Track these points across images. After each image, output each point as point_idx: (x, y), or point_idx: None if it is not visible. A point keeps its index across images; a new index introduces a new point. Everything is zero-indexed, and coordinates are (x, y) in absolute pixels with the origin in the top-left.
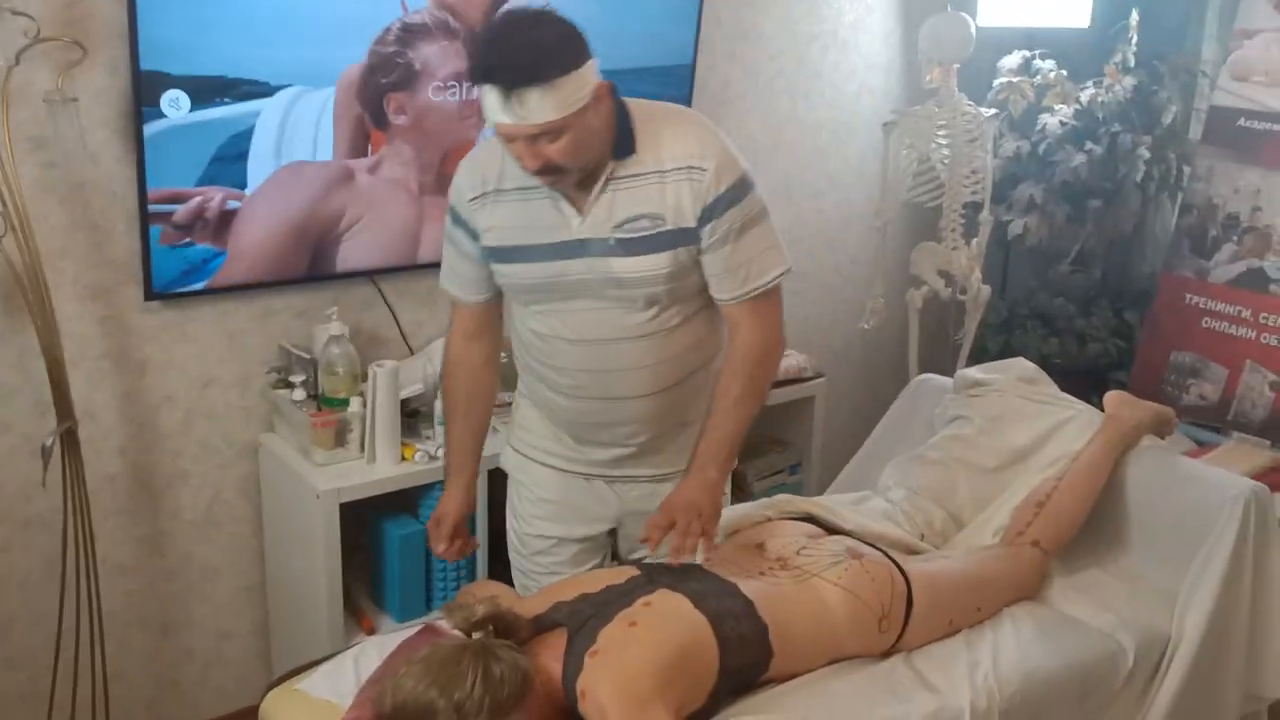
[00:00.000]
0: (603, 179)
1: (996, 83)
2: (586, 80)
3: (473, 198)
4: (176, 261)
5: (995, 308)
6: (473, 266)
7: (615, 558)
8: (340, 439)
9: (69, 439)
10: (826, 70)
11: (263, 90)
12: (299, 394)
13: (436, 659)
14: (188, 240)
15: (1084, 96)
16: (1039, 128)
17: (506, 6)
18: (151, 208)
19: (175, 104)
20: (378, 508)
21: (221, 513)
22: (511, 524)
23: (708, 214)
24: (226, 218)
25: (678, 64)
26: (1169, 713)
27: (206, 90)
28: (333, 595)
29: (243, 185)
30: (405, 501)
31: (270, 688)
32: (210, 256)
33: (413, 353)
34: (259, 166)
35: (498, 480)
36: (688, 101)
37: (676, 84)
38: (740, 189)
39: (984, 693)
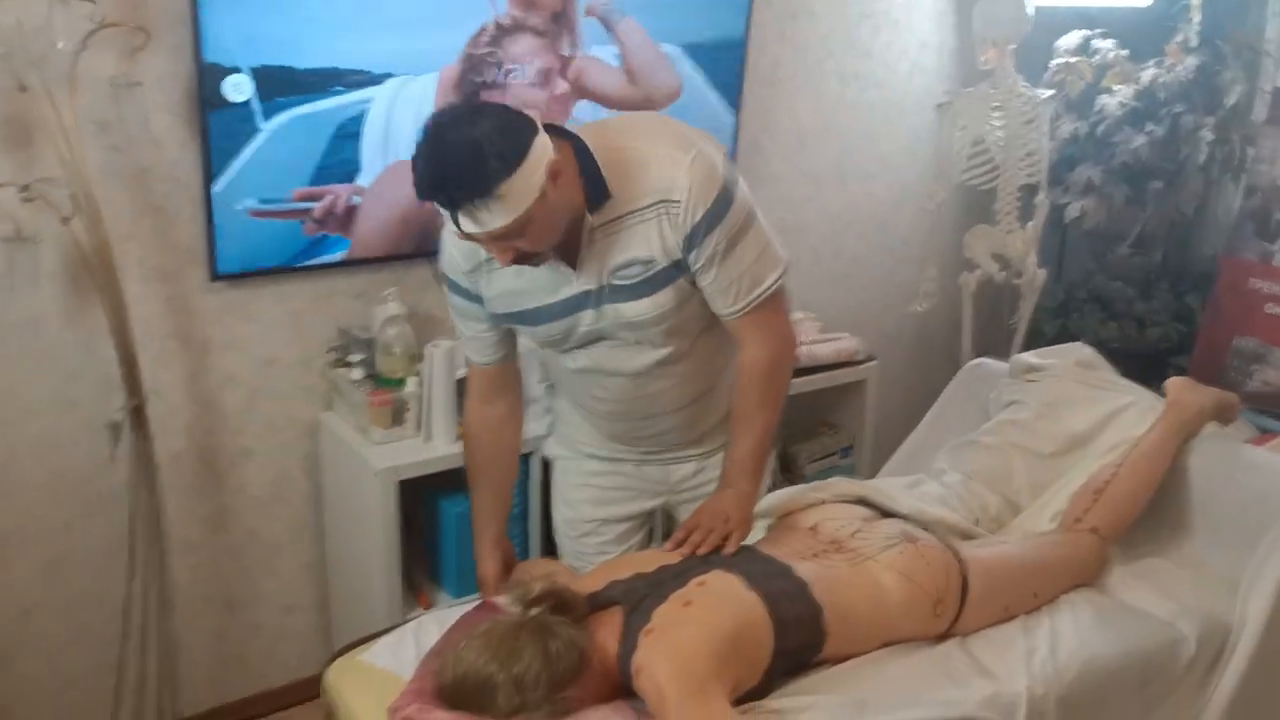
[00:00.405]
0: (585, 234)
1: (1054, 63)
2: (535, 168)
3: (469, 270)
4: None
5: (1052, 291)
6: (482, 328)
7: (666, 538)
8: (397, 418)
9: (137, 416)
10: (878, 50)
11: (362, 79)
12: (357, 374)
13: (496, 634)
14: (323, 233)
15: (1144, 77)
16: (1097, 109)
17: (440, 109)
18: (293, 204)
19: (238, 89)
20: (434, 485)
21: (284, 490)
22: (559, 510)
23: (689, 242)
24: (350, 211)
25: (729, 44)
26: (1232, 701)
27: (274, 79)
28: (390, 571)
29: (356, 173)
30: (461, 479)
31: (333, 659)
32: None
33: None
34: (371, 155)
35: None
36: (738, 82)
37: (727, 64)
38: (720, 205)
39: (1041, 679)
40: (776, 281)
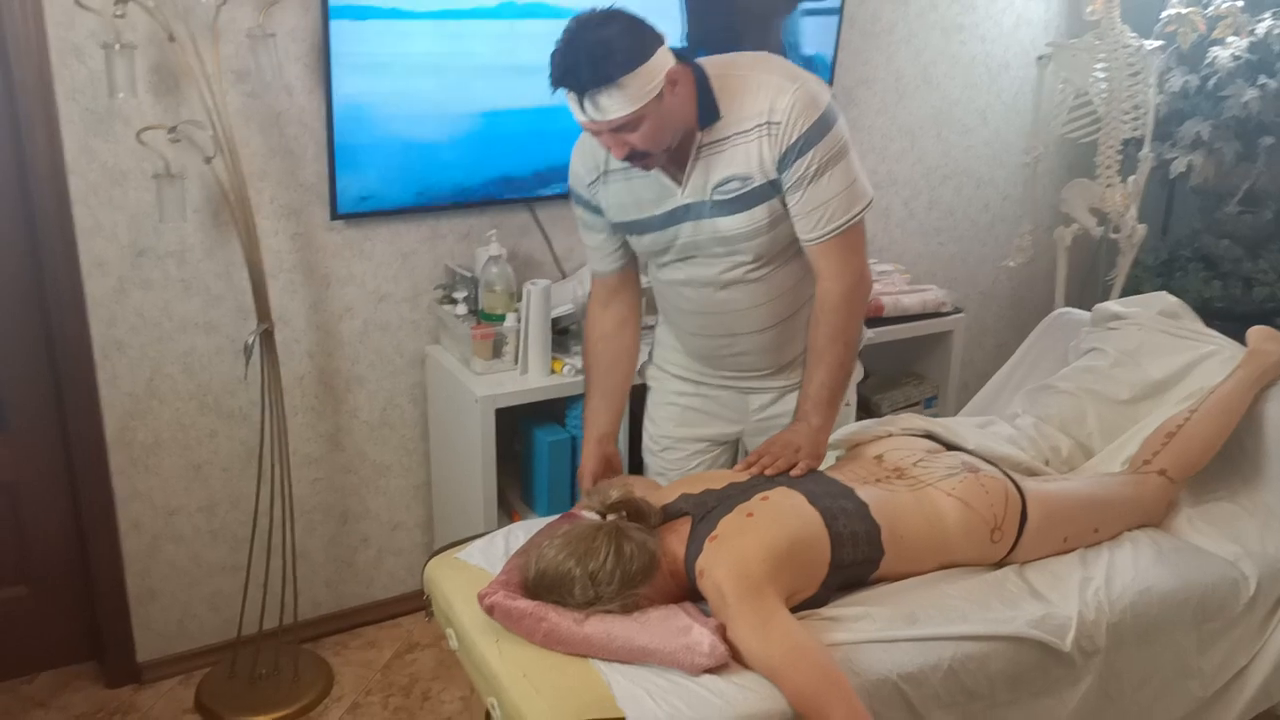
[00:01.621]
0: (694, 149)
1: (1165, 14)
2: (656, 71)
3: (590, 181)
4: None
5: (1154, 249)
6: (602, 238)
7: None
8: (497, 351)
9: (267, 339)
10: (983, 2)
11: None
12: (461, 309)
13: (575, 534)
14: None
15: (1259, 29)
16: (1209, 61)
17: (577, 14)
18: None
19: (359, 42)
20: (529, 415)
21: (393, 415)
22: (647, 426)
23: (784, 161)
24: None
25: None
26: None
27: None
28: (488, 493)
29: None
30: (554, 411)
31: (433, 556)
32: None
33: (564, 275)
34: None
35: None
36: (836, 35)
37: (825, 18)
38: (818, 130)
39: (1093, 605)
40: (859, 215)
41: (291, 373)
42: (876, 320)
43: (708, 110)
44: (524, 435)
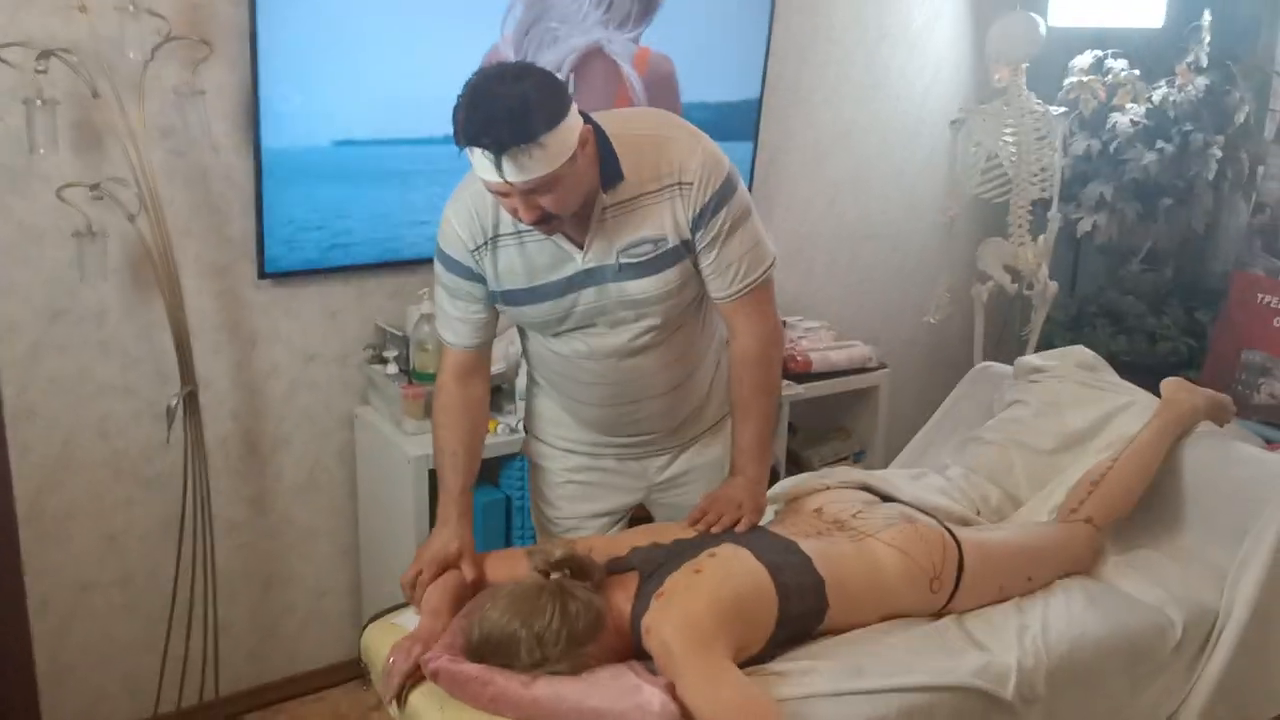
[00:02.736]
0: (597, 211)
1: (1067, 81)
2: (571, 130)
3: (474, 248)
4: None
5: (1064, 305)
6: (472, 309)
7: None
8: (429, 410)
9: (190, 402)
10: (896, 68)
11: None
12: (392, 369)
13: (519, 595)
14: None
15: (1155, 96)
16: (1109, 126)
17: (482, 68)
18: None
19: (286, 100)
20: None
21: (320, 477)
22: (543, 510)
23: (699, 221)
24: None
25: (749, 64)
26: (1216, 686)
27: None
28: None
29: None
30: (487, 471)
31: (370, 621)
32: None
33: (496, 334)
34: None
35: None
36: (759, 98)
37: (748, 81)
38: (726, 190)
39: (1032, 653)
40: (768, 271)
41: (215, 435)
42: (804, 376)
43: (611, 171)
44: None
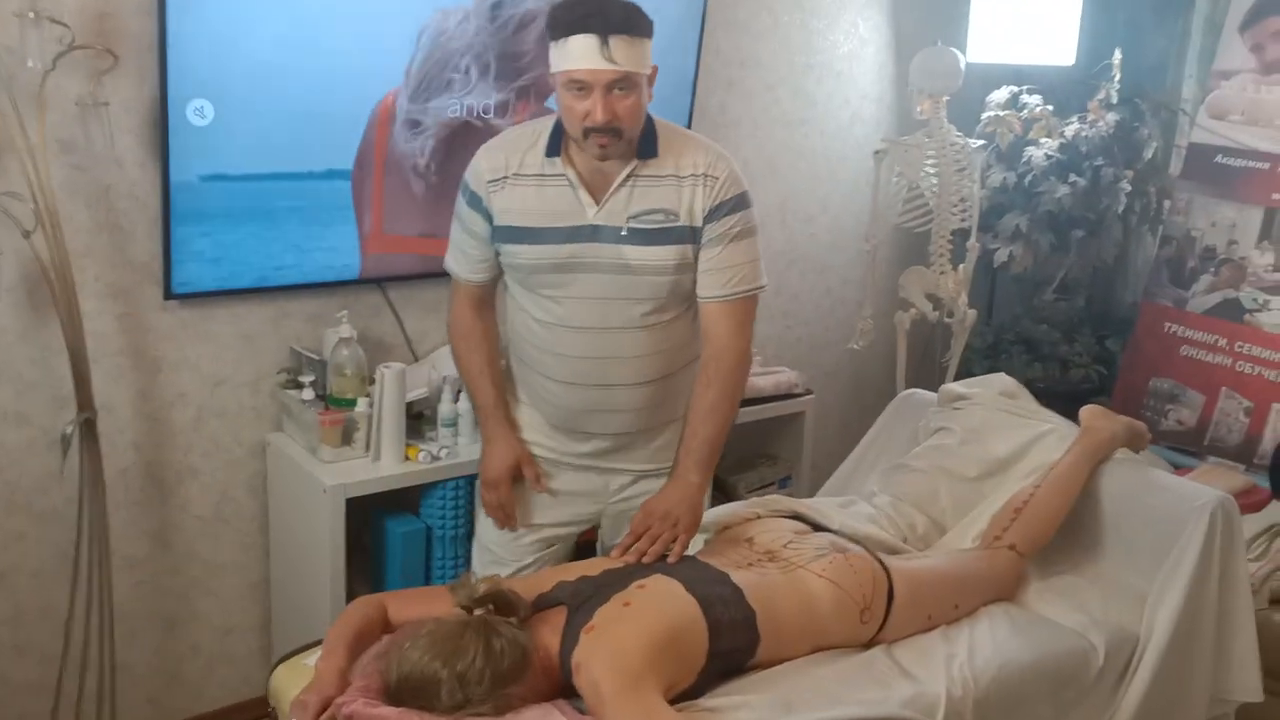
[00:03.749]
0: (625, 173)
1: (985, 116)
2: (650, 51)
3: (491, 179)
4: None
5: (981, 333)
6: (480, 246)
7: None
8: (347, 438)
9: (87, 430)
10: (821, 99)
11: None
12: (308, 394)
13: (440, 633)
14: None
15: (1068, 131)
16: (1025, 160)
17: None
18: None
19: (200, 113)
20: (380, 506)
21: (229, 510)
22: (490, 533)
23: (713, 213)
24: None
25: (678, 89)
26: (1138, 709)
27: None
28: (336, 589)
29: None
30: (408, 500)
31: (279, 662)
32: None
33: (417, 359)
34: None
35: None
36: (686, 125)
37: (676, 108)
38: (742, 201)
39: (959, 682)
40: (759, 289)
41: (114, 466)
42: None
43: (648, 144)
44: (374, 526)
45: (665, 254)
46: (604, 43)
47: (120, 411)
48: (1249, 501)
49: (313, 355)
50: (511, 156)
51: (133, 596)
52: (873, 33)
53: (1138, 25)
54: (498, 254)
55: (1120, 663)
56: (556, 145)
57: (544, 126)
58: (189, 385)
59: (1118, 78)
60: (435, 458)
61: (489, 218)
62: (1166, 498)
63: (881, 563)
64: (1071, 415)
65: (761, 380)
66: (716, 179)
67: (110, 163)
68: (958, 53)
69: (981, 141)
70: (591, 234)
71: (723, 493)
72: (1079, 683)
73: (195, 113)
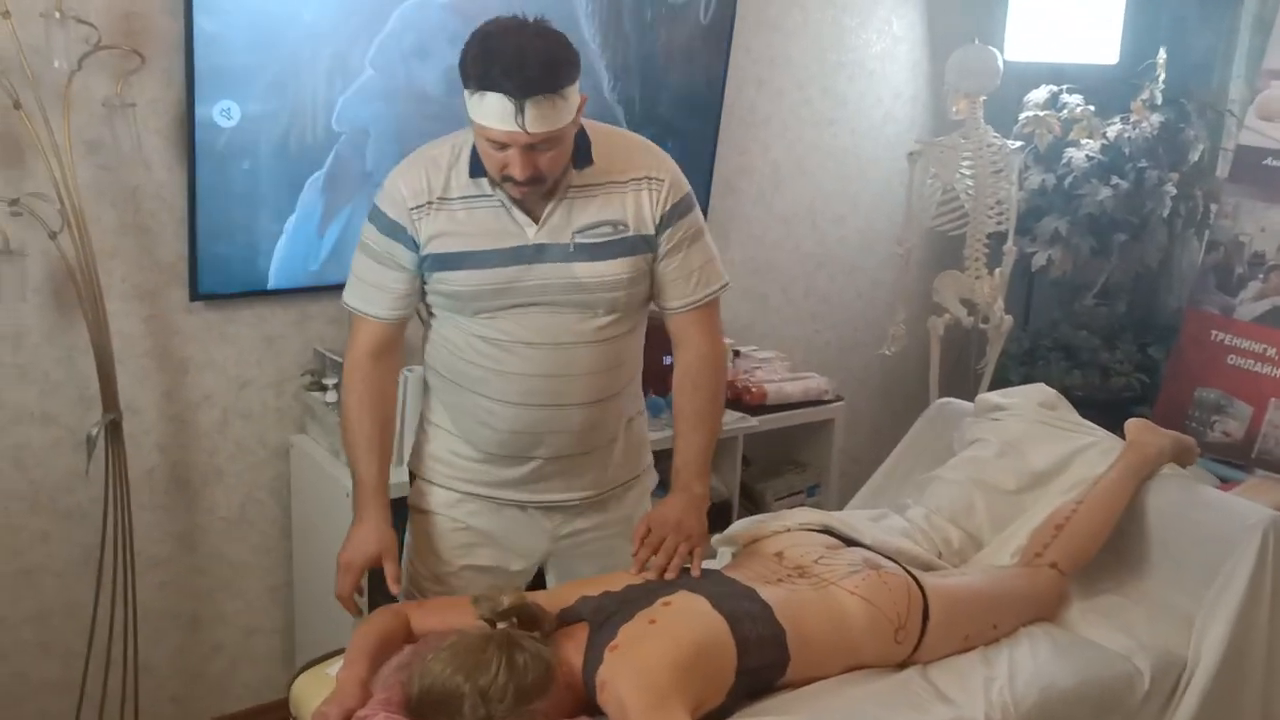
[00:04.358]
0: (562, 187)
1: (1023, 116)
2: (576, 93)
3: (415, 205)
4: None
5: (1018, 339)
6: (401, 279)
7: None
8: None
9: (113, 431)
10: (853, 98)
11: None
12: (331, 396)
13: (463, 646)
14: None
15: (1110, 132)
16: (1064, 161)
17: (495, 18)
18: None
19: (227, 114)
20: (404, 508)
21: (252, 511)
22: (424, 566)
23: (666, 221)
24: None
25: (706, 88)
26: None
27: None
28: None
29: None
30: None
31: (301, 671)
32: None
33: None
34: None
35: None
36: (716, 125)
37: (704, 108)
38: (689, 202)
39: (999, 706)
40: (722, 289)
41: (140, 467)
42: (759, 408)
43: (582, 153)
44: (397, 529)
45: (618, 268)
46: (520, 110)
47: (146, 412)
48: None
49: (336, 357)
50: (434, 178)
51: (157, 596)
52: (907, 30)
53: (1183, 23)
54: (423, 285)
55: (1167, 687)
56: (481, 165)
57: (462, 143)
58: (214, 387)
59: (1162, 77)
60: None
61: (414, 246)
62: (1216, 515)
63: (917, 580)
64: (1112, 425)
65: (790, 386)
66: (662, 182)
67: (137, 163)
68: (995, 51)
69: (1020, 143)
70: (535, 254)
71: (749, 500)
72: (1124, 708)
73: (222, 114)
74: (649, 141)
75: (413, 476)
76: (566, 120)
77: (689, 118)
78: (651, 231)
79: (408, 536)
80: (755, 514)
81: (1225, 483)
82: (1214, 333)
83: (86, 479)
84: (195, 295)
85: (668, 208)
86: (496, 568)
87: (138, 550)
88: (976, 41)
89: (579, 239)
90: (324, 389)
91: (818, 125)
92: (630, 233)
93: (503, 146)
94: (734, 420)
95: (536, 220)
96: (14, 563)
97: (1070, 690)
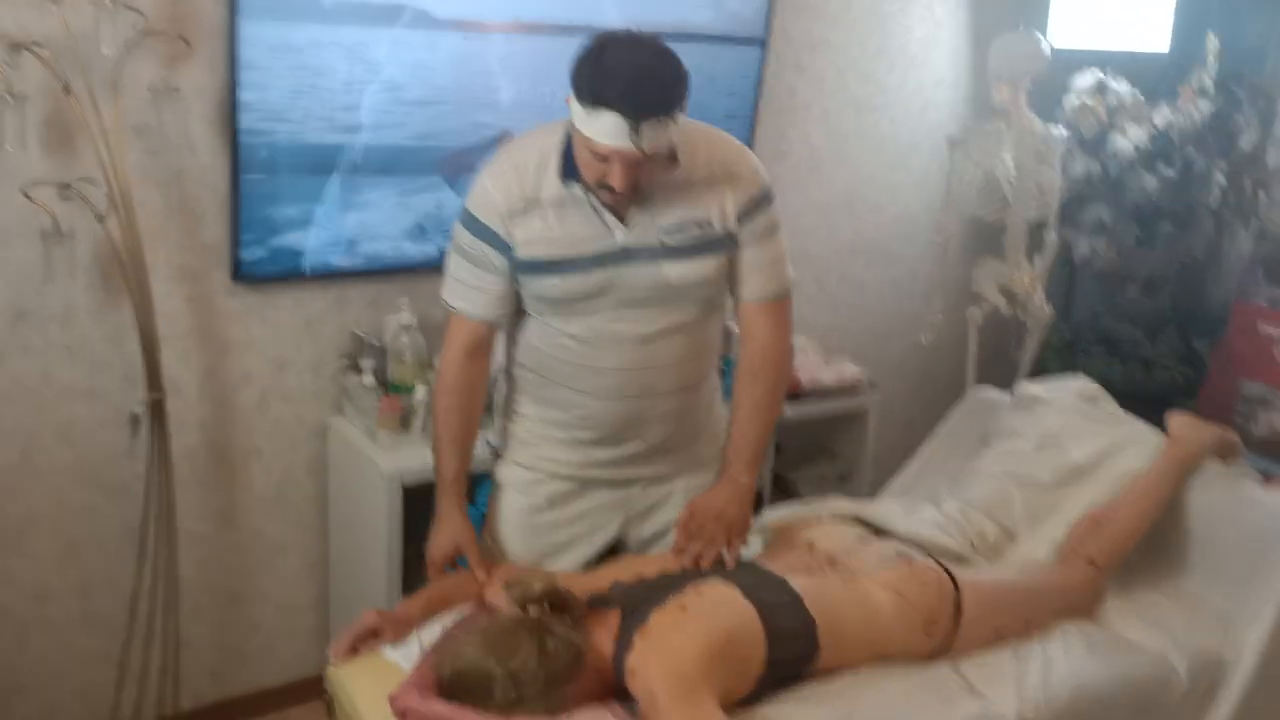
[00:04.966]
0: (649, 190)
1: (1067, 102)
2: (685, 111)
3: (509, 210)
4: None
5: (1058, 330)
6: (498, 282)
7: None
8: (405, 424)
9: (157, 410)
10: (893, 85)
11: None
12: (368, 379)
13: (495, 631)
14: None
15: (1158, 119)
16: (1110, 149)
17: (610, 32)
18: None
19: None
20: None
21: (291, 490)
22: (507, 541)
23: (747, 213)
24: None
25: (745, 73)
26: None
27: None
28: (392, 572)
29: None
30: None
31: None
32: None
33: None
34: None
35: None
36: (754, 109)
37: (742, 93)
38: (768, 195)
39: (1032, 703)
40: (791, 286)
41: (182, 445)
42: (793, 396)
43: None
44: (431, 511)
45: (706, 267)
46: (635, 129)
47: (188, 392)
48: None
49: (373, 341)
50: (525, 182)
51: (197, 572)
52: (949, 17)
53: (1235, 8)
54: (518, 288)
55: (1204, 686)
56: (572, 167)
57: (549, 145)
58: (254, 367)
59: (1213, 63)
60: (492, 445)
61: (508, 251)
62: (1259, 515)
63: (949, 573)
64: (1154, 419)
65: (824, 374)
66: (742, 177)
67: (183, 148)
68: (1039, 35)
69: (1063, 129)
70: (624, 257)
71: (781, 489)
72: (1161, 708)
73: (263, 100)
74: (728, 135)
75: (497, 455)
76: (670, 141)
77: (727, 100)
78: (735, 228)
79: (489, 510)
80: (786, 502)
81: (1269, 478)
82: (1262, 325)
83: (131, 456)
84: (236, 278)
85: (748, 201)
86: (573, 542)
87: (179, 526)
88: (1021, 27)
89: (666, 240)
90: (360, 372)
91: (858, 111)
92: (716, 232)
93: (606, 158)
94: None
95: (624, 222)
96: (61, 536)
97: (1105, 689)
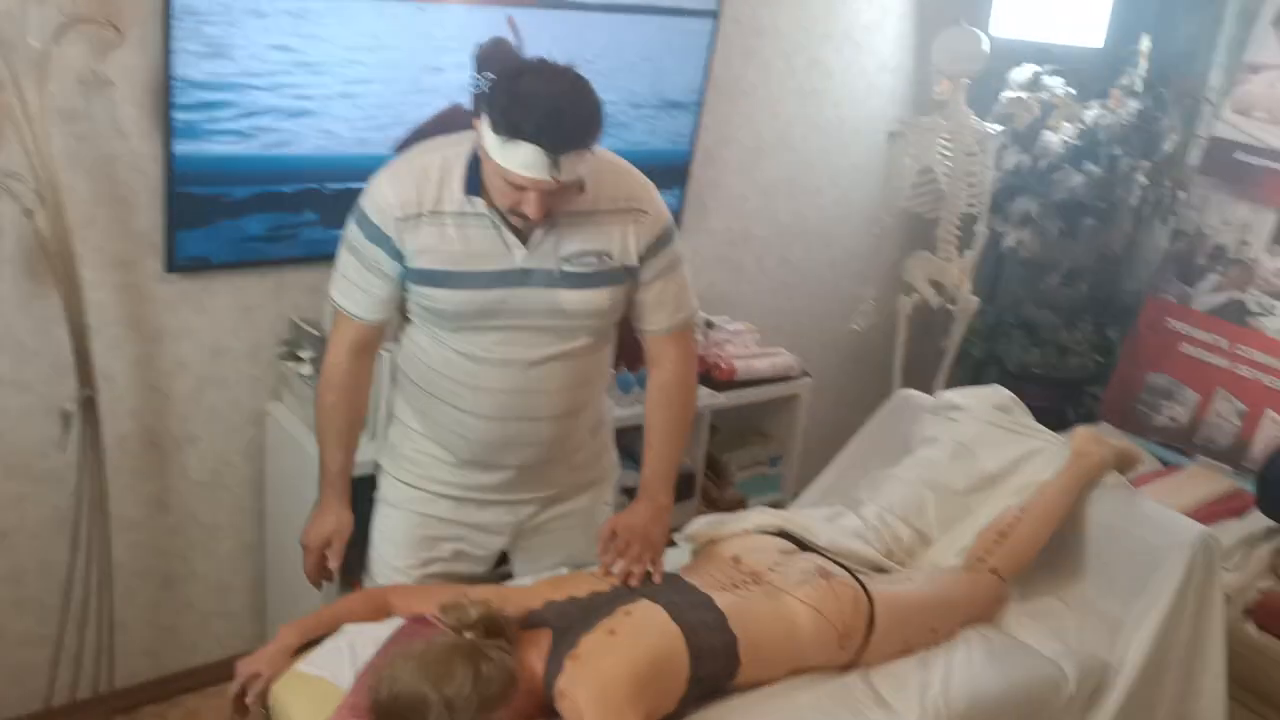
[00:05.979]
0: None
1: (1003, 97)
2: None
3: (402, 216)
4: None
5: (982, 314)
6: (385, 285)
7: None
8: None
9: (88, 406)
10: (838, 69)
11: None
12: (306, 369)
13: (430, 656)
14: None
15: (1088, 116)
16: (1041, 144)
17: (524, 62)
18: None
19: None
20: (374, 480)
21: (227, 474)
22: (389, 558)
23: (649, 252)
24: None
25: (691, 57)
26: None
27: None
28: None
29: None
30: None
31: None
32: None
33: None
34: None
35: None
36: (701, 94)
37: (689, 77)
38: (670, 232)
39: (932, 712)
40: (695, 315)
41: (114, 433)
42: (728, 384)
43: None
44: (367, 500)
45: (601, 297)
46: (554, 163)
47: (120, 380)
48: (1232, 506)
49: (312, 330)
50: (424, 190)
51: (131, 556)
52: (895, 1)
53: (1170, 9)
54: (405, 295)
55: (1089, 691)
56: (476, 183)
57: (455, 156)
58: (189, 355)
59: (1143, 64)
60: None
61: (399, 257)
62: (1151, 529)
63: (865, 588)
64: (1066, 401)
65: (759, 363)
66: (646, 214)
67: (113, 134)
68: (981, 34)
69: (999, 127)
70: (521, 278)
71: (713, 470)
72: (1048, 710)
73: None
74: (634, 168)
75: (379, 469)
76: (585, 173)
77: (675, 86)
78: (635, 263)
79: (373, 524)
80: (718, 483)
81: (1167, 466)
82: (1170, 320)
83: (61, 446)
84: (171, 266)
85: (652, 240)
86: (459, 556)
87: (112, 512)
88: (963, 22)
89: (565, 267)
90: (299, 360)
91: (802, 96)
92: (615, 263)
93: (520, 189)
94: (703, 396)
95: (524, 243)
96: None
97: (999, 695)
